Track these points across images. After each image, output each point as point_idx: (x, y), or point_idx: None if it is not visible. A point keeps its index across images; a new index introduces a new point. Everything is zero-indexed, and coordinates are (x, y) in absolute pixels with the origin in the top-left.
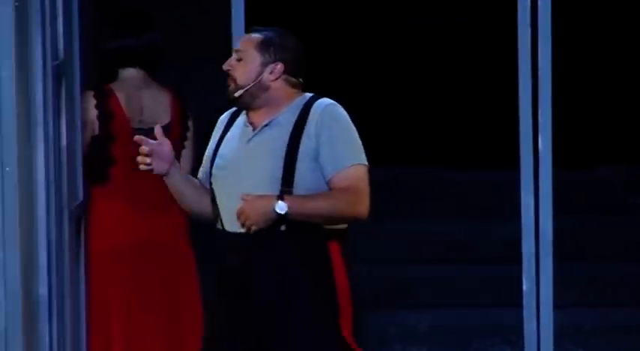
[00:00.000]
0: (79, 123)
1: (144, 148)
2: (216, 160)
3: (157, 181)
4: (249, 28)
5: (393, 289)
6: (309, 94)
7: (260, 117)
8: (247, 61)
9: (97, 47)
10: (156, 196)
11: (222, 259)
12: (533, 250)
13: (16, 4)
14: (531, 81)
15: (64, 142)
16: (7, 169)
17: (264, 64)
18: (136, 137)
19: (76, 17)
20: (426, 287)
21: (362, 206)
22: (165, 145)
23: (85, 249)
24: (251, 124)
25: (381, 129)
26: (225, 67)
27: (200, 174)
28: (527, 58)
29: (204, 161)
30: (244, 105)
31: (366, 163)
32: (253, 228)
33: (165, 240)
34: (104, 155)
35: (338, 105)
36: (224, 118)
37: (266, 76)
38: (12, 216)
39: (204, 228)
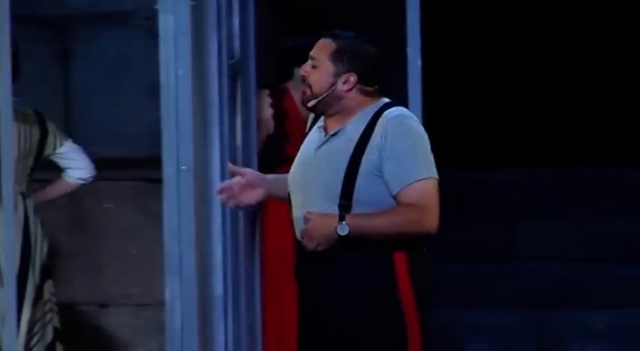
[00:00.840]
0: (254, 122)
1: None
2: (293, 165)
3: None
4: (424, 27)
5: (570, 288)
6: (383, 101)
7: (333, 123)
8: (321, 69)
9: (273, 46)
10: None
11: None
12: None
13: (193, 2)
14: None
15: (239, 141)
16: (184, 167)
17: (337, 75)
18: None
19: (251, 16)
20: (603, 286)
21: (428, 222)
22: (245, 174)
23: (260, 247)
24: (324, 129)
25: (554, 128)
26: (300, 72)
27: None
28: None
29: None
30: (319, 112)
31: (435, 175)
32: (318, 248)
33: None
34: (279, 154)
35: (407, 115)
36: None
37: (339, 86)
38: (188, 214)
39: None
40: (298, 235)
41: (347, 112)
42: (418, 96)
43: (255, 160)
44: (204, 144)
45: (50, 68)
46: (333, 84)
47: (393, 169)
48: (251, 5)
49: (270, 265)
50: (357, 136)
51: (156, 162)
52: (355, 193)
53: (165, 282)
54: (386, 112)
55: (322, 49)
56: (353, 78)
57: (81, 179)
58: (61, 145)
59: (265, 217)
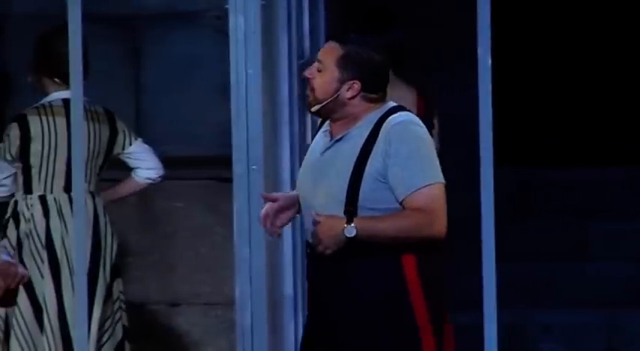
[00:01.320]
0: None
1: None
2: (301, 168)
3: None
4: (494, 26)
5: None
6: (388, 106)
7: (338, 128)
8: (326, 74)
9: None
10: None
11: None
12: None
13: (263, 2)
14: None
15: (309, 140)
16: (254, 167)
17: (342, 81)
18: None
19: (322, 15)
20: None
21: (435, 227)
22: (277, 199)
23: None
24: (330, 133)
25: (624, 128)
26: (305, 74)
27: None
28: None
29: None
30: (323, 117)
31: (442, 180)
32: (327, 251)
33: None
34: None
35: (411, 121)
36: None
37: (343, 92)
38: (258, 214)
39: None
40: (308, 238)
41: (352, 118)
42: (488, 95)
43: None
44: (274, 143)
45: (121, 67)
46: (337, 90)
47: (399, 176)
48: (321, 5)
49: None
50: (361, 141)
51: (226, 161)
52: (360, 198)
53: (235, 281)
54: (390, 118)
55: (329, 54)
56: (357, 85)
57: (149, 179)
58: (131, 144)
59: None
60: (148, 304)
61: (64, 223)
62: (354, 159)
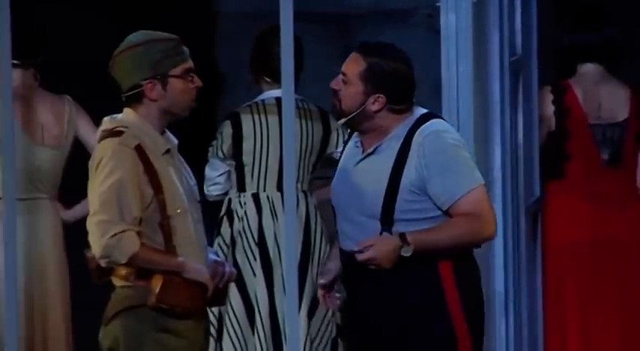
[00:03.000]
0: (536, 119)
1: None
2: (335, 177)
3: (616, 176)
4: None
5: None
6: (416, 115)
7: (368, 140)
8: (350, 86)
9: (555, 42)
10: (613, 191)
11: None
12: None
13: (475, 0)
14: None
15: (520, 138)
16: None
17: (367, 94)
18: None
19: (534, 12)
20: None
21: (487, 230)
22: (322, 285)
23: (542, 245)
24: (361, 144)
25: None
26: (332, 85)
27: None
28: None
29: None
30: (352, 128)
31: (482, 181)
32: (384, 267)
33: (624, 237)
34: (560, 151)
35: (441, 129)
36: None
37: (369, 106)
38: None
39: None
40: (343, 246)
41: (381, 131)
42: None
43: (536, 158)
44: (485, 140)
45: (334, 65)
46: (363, 103)
47: (440, 185)
48: (533, 2)
49: (551, 265)
50: (393, 154)
51: None
52: (396, 210)
53: None
54: (420, 130)
55: (353, 67)
56: (382, 99)
57: None
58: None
59: (546, 215)
60: None
61: (277, 221)
62: (388, 172)
